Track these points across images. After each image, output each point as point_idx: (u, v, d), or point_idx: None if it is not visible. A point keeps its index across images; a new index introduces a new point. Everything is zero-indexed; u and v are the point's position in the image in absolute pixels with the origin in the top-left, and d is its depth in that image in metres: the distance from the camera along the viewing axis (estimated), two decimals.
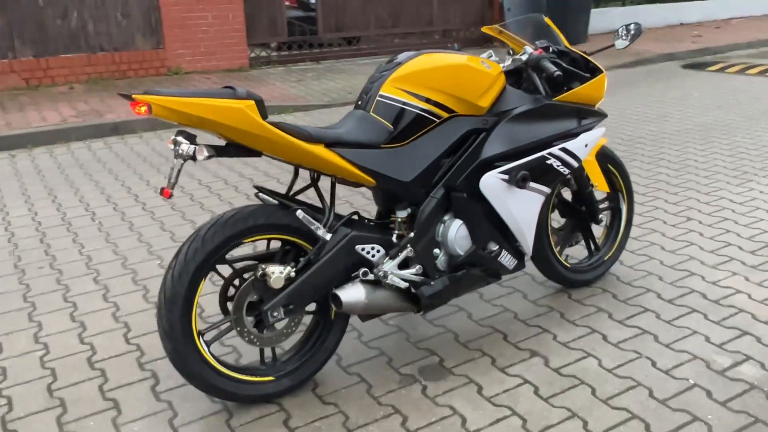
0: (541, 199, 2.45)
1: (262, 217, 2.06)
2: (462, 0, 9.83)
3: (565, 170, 2.48)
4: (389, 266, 2.22)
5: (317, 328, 2.28)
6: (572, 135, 2.50)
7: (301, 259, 2.15)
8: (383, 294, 2.23)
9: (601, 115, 2.61)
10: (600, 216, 2.83)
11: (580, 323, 2.63)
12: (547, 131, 2.45)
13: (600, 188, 2.77)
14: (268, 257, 2.18)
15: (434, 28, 9.83)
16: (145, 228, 3.71)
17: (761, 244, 3.30)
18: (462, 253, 2.34)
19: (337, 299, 2.14)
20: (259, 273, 2.06)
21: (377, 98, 2.24)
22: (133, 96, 1.83)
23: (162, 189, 1.97)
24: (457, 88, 2.27)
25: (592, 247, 2.93)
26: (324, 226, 2.10)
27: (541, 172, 2.40)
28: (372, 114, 2.23)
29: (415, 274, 2.29)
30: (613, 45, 2.62)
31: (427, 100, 2.25)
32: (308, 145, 2.03)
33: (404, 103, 2.23)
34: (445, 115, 2.29)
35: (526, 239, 2.47)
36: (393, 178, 2.21)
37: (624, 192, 2.94)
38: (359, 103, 2.29)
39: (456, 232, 2.31)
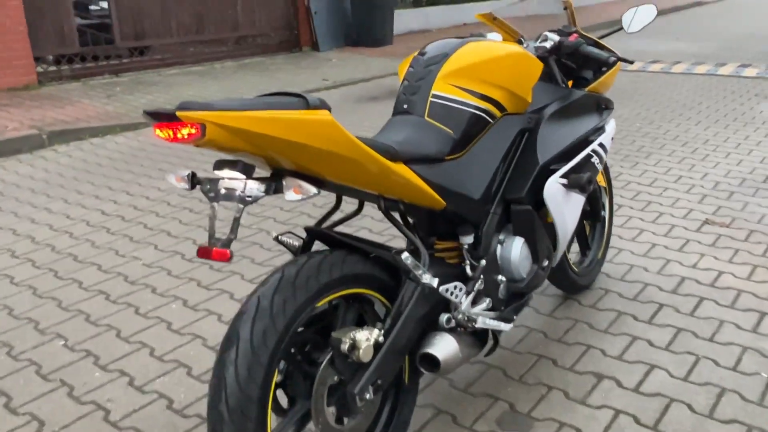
0: (583, 201, 2.18)
1: (337, 268, 1.51)
2: (267, 4, 9.29)
3: (600, 167, 2.24)
4: (466, 305, 1.78)
5: (388, 400, 1.76)
6: (600, 128, 2.27)
7: (366, 315, 1.64)
8: (467, 341, 1.79)
9: (612, 105, 2.41)
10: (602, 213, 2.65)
11: (614, 331, 2.41)
12: (586, 126, 2.18)
13: (599, 182, 2.59)
14: (323, 321, 1.62)
15: (241, 33, 9.18)
16: (8, 300, 2.76)
17: (698, 222, 3.39)
18: (525, 276, 1.98)
19: (431, 361, 1.66)
20: (346, 345, 1.49)
21: (430, 99, 1.79)
22: (178, 114, 1.19)
23: (204, 250, 1.33)
24: (512, 82, 1.90)
25: (586, 247, 2.74)
26: (427, 270, 1.60)
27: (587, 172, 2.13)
28: (428, 119, 1.77)
29: (485, 310, 1.88)
30: (621, 29, 2.43)
31: (484, 97, 1.85)
32: (393, 164, 1.52)
33: (462, 103, 1.80)
34: (498, 114, 1.91)
35: (564, 247, 2.18)
36: (464, 196, 1.78)
37: (607, 186, 2.80)
38: (405, 107, 1.81)
39: (519, 252, 1.95)
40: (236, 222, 1.33)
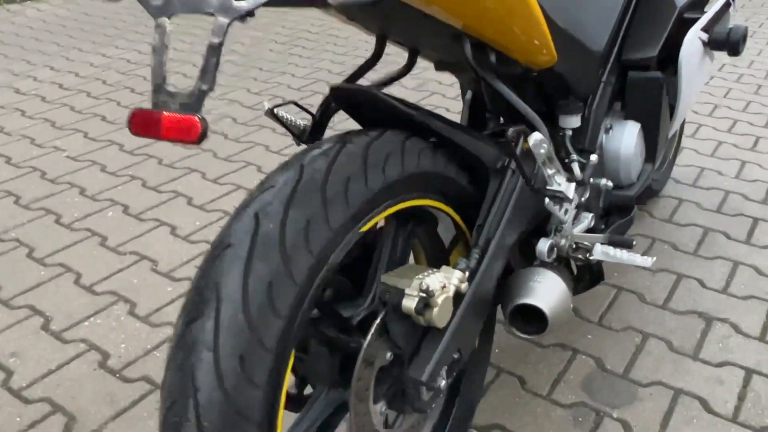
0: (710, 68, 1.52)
1: (396, 160, 0.83)
2: None
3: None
4: (568, 225, 1.13)
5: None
6: None
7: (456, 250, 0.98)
8: (568, 277, 1.15)
9: None
10: None
11: (706, 254, 1.82)
12: None
13: None
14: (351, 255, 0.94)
15: None
16: None
17: (762, 116, 2.79)
18: (635, 180, 1.35)
19: (536, 316, 1.02)
20: (414, 300, 0.83)
21: None
22: None
23: (144, 116, 0.64)
24: None
25: None
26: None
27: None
28: None
29: (588, 231, 1.24)
30: None
31: None
32: None
33: None
34: None
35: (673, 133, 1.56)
36: (582, 47, 1.10)
37: None
38: None
39: (634, 145, 1.30)
40: (213, 54, 0.62)
